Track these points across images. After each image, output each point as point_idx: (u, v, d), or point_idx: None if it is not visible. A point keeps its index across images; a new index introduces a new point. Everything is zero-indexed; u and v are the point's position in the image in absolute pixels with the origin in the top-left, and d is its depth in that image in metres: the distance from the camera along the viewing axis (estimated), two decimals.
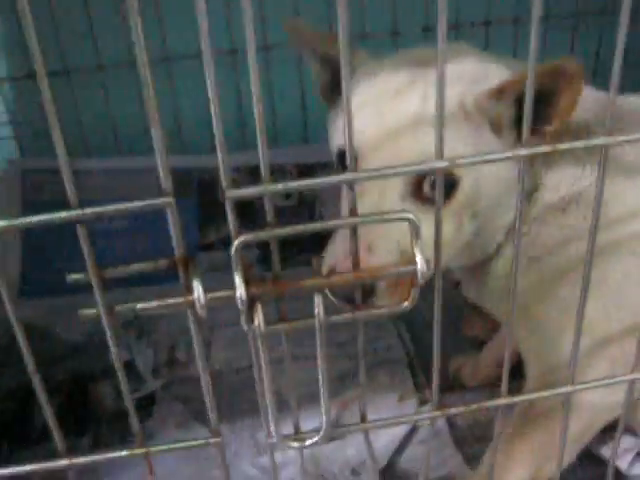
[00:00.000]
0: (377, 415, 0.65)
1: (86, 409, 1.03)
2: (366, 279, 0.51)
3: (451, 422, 0.96)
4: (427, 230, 0.60)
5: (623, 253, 0.73)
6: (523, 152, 0.46)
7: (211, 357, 1.10)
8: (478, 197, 0.72)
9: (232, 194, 0.44)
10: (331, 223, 0.48)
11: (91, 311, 0.48)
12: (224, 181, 0.44)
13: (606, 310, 0.73)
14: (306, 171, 1.36)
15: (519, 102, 0.68)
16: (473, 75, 0.73)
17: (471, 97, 0.70)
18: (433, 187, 0.68)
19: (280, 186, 0.45)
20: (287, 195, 1.34)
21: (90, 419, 1.01)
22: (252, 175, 1.33)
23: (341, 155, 0.74)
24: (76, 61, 1.27)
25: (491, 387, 1.02)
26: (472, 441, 0.95)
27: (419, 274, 0.47)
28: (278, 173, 1.34)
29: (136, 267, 0.48)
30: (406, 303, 0.50)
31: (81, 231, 0.45)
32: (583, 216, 0.74)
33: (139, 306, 0.47)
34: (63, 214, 0.45)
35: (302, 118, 1.36)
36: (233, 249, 0.46)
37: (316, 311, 0.48)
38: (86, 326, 1.14)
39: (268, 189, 0.45)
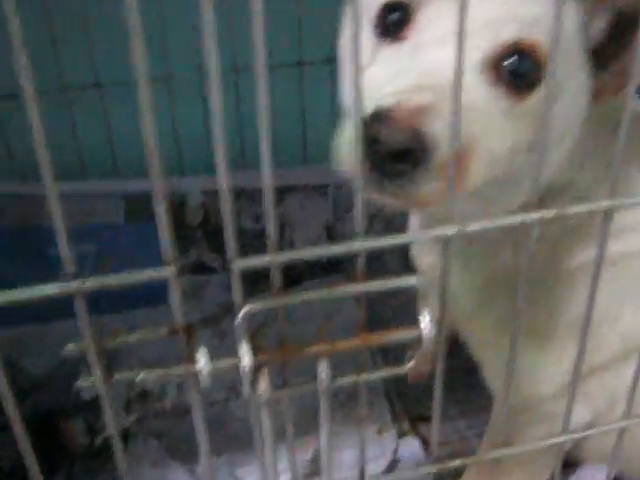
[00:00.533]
0: (357, 449, 0.63)
1: (57, 446, 1.00)
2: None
3: (429, 452, 0.96)
4: (497, 124, 0.56)
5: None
6: (531, 217, 0.45)
7: (184, 389, 1.08)
8: (558, 107, 0.58)
9: (239, 265, 0.43)
10: (341, 290, 0.47)
11: (88, 380, 0.47)
12: (230, 251, 0.43)
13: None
14: (276, 195, 1.34)
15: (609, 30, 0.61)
16: None
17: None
18: (516, 73, 0.56)
19: (289, 254, 0.44)
20: (257, 219, 1.33)
21: (62, 457, 0.98)
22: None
23: (389, 9, 0.60)
24: (38, 83, 1.24)
25: (469, 416, 1.03)
26: (451, 472, 0.95)
27: (425, 340, 0.46)
28: (247, 197, 1.32)
29: (137, 335, 0.47)
30: (411, 364, 0.50)
31: (79, 303, 0.43)
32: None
33: (139, 377, 0.46)
34: (59, 286, 0.43)
35: (273, 141, 1.34)
36: (239, 319, 0.44)
37: (320, 377, 0.47)
38: (52, 358, 1.11)
39: (276, 259, 0.44)
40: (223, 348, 0.46)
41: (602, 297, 0.71)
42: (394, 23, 0.60)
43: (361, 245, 0.44)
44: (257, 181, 1.41)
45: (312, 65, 1.33)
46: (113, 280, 0.43)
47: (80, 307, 0.43)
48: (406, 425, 1.00)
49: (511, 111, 0.57)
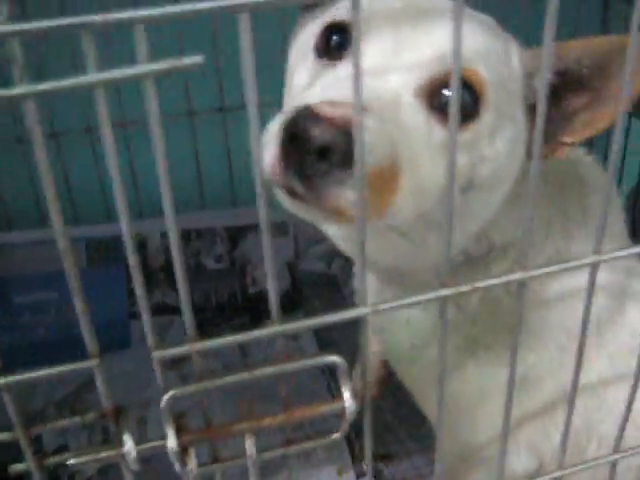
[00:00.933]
0: None
1: None
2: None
3: None
4: (430, 152, 0.54)
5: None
6: (445, 292, 0.47)
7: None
8: (494, 147, 0.59)
9: (159, 355, 0.44)
10: (261, 371, 0.48)
11: (21, 466, 0.48)
12: (150, 342, 0.44)
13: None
14: (235, 234, 1.36)
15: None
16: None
17: (515, 49, 0.62)
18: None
19: (208, 343, 0.46)
20: (218, 258, 1.34)
21: None
22: (181, 239, 1.33)
23: (332, 30, 0.61)
24: None
25: (428, 452, 1.04)
26: None
27: (347, 414, 0.48)
28: (208, 236, 1.34)
29: (65, 422, 0.48)
30: (337, 435, 0.51)
31: (6, 397, 0.45)
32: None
33: (70, 461, 0.47)
34: None
35: (229, 181, 1.36)
36: (163, 403, 0.46)
37: (248, 453, 0.49)
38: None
39: (195, 348, 0.45)
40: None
41: (547, 349, 0.73)
42: (336, 45, 0.60)
43: (277, 330, 0.46)
44: (216, 221, 1.43)
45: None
46: (37, 374, 0.44)
47: (8, 399, 0.45)
48: (365, 466, 1.01)
49: (446, 142, 0.56)
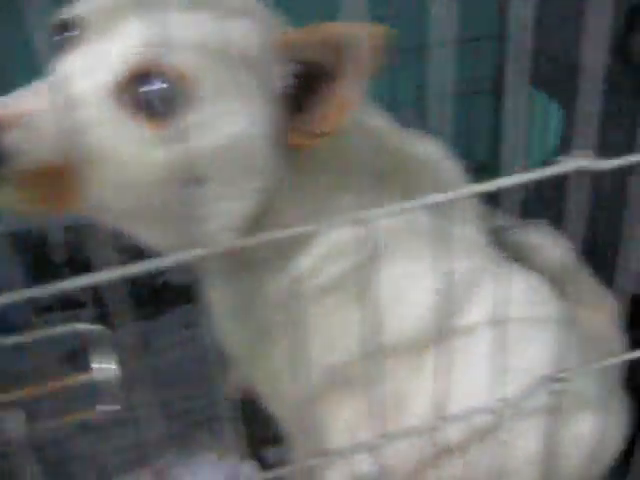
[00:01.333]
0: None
1: None
2: None
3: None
4: (127, 149, 0.55)
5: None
6: (199, 252, 0.46)
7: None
8: (215, 141, 0.57)
9: None
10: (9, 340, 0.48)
11: None
12: None
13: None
14: None
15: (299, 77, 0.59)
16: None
17: (264, 35, 0.59)
18: (153, 98, 0.54)
19: None
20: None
21: None
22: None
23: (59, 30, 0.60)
24: None
25: None
26: None
27: (101, 382, 0.48)
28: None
29: None
30: (110, 407, 0.51)
31: None
32: None
33: None
34: None
35: None
36: None
37: (11, 428, 0.48)
38: None
39: None
40: None
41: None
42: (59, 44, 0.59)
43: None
44: None
45: None
46: None
47: None
48: (246, 449, 1.00)
49: (146, 138, 0.55)
